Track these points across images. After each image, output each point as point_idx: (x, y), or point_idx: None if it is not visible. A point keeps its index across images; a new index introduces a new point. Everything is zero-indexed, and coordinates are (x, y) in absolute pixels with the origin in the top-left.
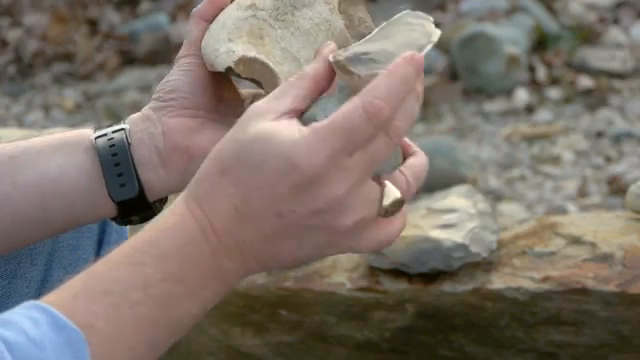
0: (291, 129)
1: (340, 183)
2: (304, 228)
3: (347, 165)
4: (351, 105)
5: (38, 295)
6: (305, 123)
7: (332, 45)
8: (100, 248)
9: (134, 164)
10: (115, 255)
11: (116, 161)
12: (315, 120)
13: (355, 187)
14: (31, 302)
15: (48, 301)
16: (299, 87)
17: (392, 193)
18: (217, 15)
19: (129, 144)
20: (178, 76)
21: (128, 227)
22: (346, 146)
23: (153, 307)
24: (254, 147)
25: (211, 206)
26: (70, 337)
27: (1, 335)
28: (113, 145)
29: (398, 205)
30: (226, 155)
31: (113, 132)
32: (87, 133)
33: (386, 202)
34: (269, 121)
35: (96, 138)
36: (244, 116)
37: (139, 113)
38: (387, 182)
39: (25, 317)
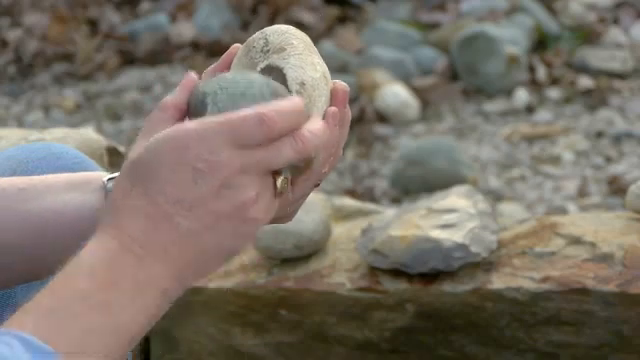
0: (180, 125)
1: (231, 164)
2: (217, 215)
3: (237, 154)
4: (246, 111)
5: None
6: (195, 101)
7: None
8: None
9: None
10: (50, 283)
11: None
12: (204, 101)
13: (250, 170)
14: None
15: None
16: (166, 119)
17: (281, 175)
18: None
19: None
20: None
21: None
22: (234, 141)
23: (97, 316)
24: (148, 155)
25: (124, 223)
26: (43, 354)
27: None
28: None
29: (286, 182)
30: (121, 182)
31: None
32: (100, 175)
33: (278, 182)
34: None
35: (108, 179)
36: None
37: None
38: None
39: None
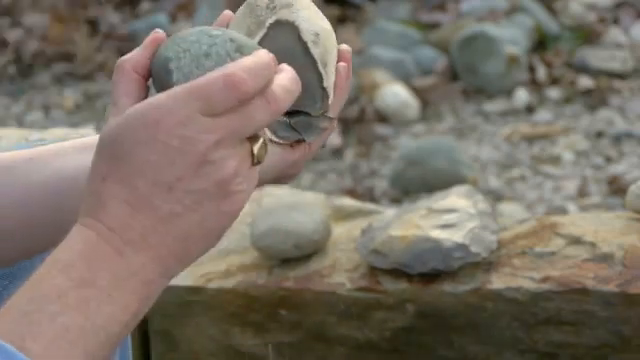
0: (149, 100)
1: (206, 139)
2: (198, 194)
3: (210, 125)
4: (213, 75)
5: None
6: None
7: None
8: None
9: None
10: (27, 282)
11: None
12: (168, 67)
13: (225, 142)
14: None
15: None
16: (128, 81)
17: (260, 138)
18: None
19: None
20: None
21: None
22: (206, 110)
23: (74, 315)
24: (121, 133)
25: (103, 212)
26: (7, 355)
27: None
28: None
29: (264, 148)
30: (96, 164)
31: None
32: None
33: (255, 149)
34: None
35: None
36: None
37: None
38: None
39: None
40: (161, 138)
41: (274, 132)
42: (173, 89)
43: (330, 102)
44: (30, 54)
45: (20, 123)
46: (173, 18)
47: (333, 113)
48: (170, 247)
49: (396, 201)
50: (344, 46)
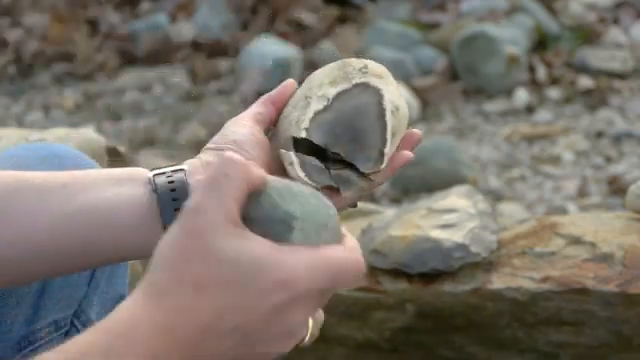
0: (285, 256)
1: (302, 313)
2: (254, 347)
3: (315, 301)
4: (349, 258)
5: (30, 315)
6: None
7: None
8: (92, 278)
9: None
10: (84, 342)
11: (175, 196)
12: (290, 224)
13: (311, 313)
14: None
15: None
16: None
17: (309, 329)
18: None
19: (189, 184)
20: (243, 133)
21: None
22: (330, 289)
23: None
24: (244, 271)
25: (182, 321)
26: None
27: None
28: (172, 182)
29: (301, 342)
30: (204, 272)
31: (172, 172)
32: (143, 171)
33: (304, 340)
34: (243, 239)
35: (154, 175)
36: (189, 219)
37: (197, 159)
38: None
39: None
40: (278, 298)
41: (309, 174)
42: (305, 256)
43: (381, 169)
44: (30, 54)
45: (20, 123)
46: (173, 18)
47: (377, 180)
48: None
49: (396, 201)
50: (416, 131)
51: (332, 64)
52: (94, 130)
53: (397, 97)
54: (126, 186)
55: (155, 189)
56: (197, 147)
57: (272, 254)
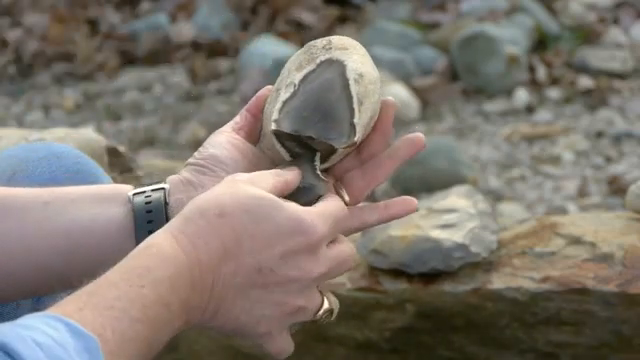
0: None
1: (321, 265)
2: (266, 294)
3: (328, 253)
4: (339, 201)
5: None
6: None
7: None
8: None
9: None
10: (113, 275)
11: (150, 218)
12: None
13: (322, 278)
14: (41, 313)
15: (54, 312)
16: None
17: (327, 303)
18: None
19: (166, 204)
20: (220, 142)
21: None
22: (335, 230)
23: (148, 327)
24: (262, 203)
25: (203, 242)
26: (88, 344)
27: (30, 336)
28: (149, 202)
29: (329, 315)
30: (228, 202)
31: (152, 190)
32: (125, 188)
33: (321, 311)
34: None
35: (134, 194)
36: (232, 178)
37: (179, 176)
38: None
39: (43, 324)
40: (293, 243)
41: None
42: (315, 209)
43: (356, 140)
44: (30, 54)
45: (20, 123)
46: (173, 18)
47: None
48: (216, 311)
49: None
50: (390, 100)
51: (299, 50)
52: (94, 130)
53: (361, 65)
54: (106, 205)
55: (133, 208)
56: (197, 147)
57: (291, 205)
